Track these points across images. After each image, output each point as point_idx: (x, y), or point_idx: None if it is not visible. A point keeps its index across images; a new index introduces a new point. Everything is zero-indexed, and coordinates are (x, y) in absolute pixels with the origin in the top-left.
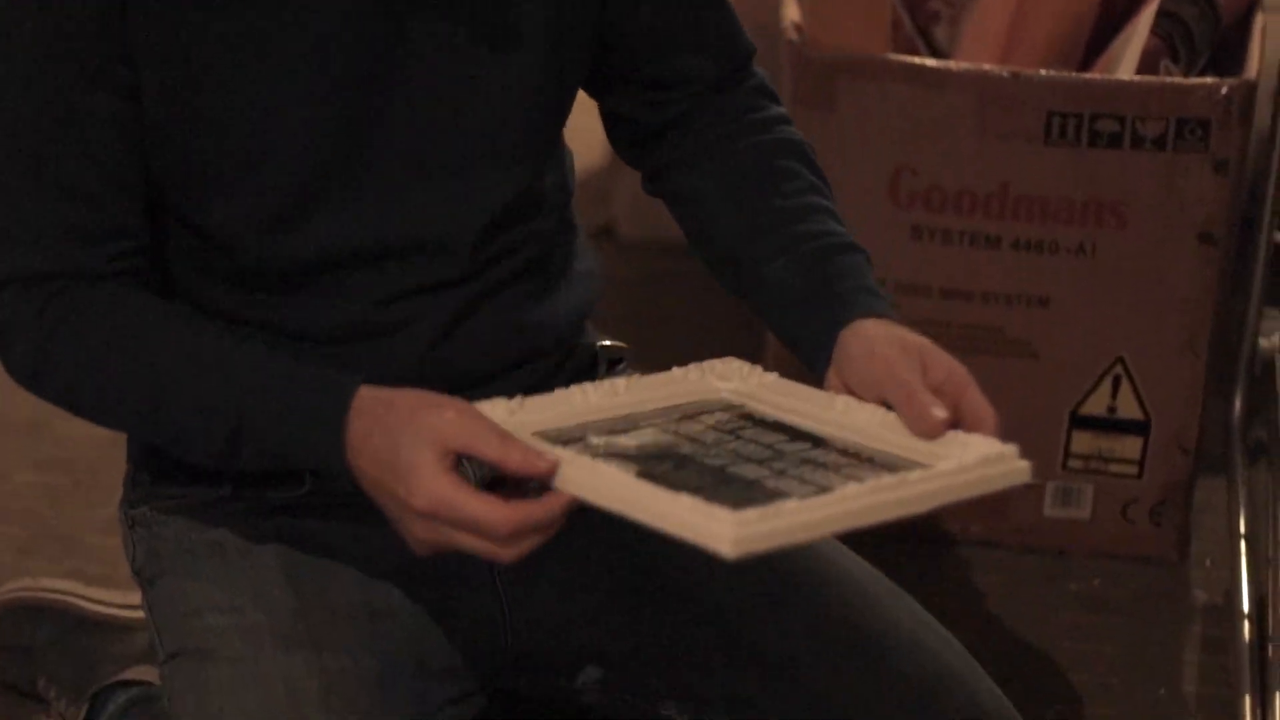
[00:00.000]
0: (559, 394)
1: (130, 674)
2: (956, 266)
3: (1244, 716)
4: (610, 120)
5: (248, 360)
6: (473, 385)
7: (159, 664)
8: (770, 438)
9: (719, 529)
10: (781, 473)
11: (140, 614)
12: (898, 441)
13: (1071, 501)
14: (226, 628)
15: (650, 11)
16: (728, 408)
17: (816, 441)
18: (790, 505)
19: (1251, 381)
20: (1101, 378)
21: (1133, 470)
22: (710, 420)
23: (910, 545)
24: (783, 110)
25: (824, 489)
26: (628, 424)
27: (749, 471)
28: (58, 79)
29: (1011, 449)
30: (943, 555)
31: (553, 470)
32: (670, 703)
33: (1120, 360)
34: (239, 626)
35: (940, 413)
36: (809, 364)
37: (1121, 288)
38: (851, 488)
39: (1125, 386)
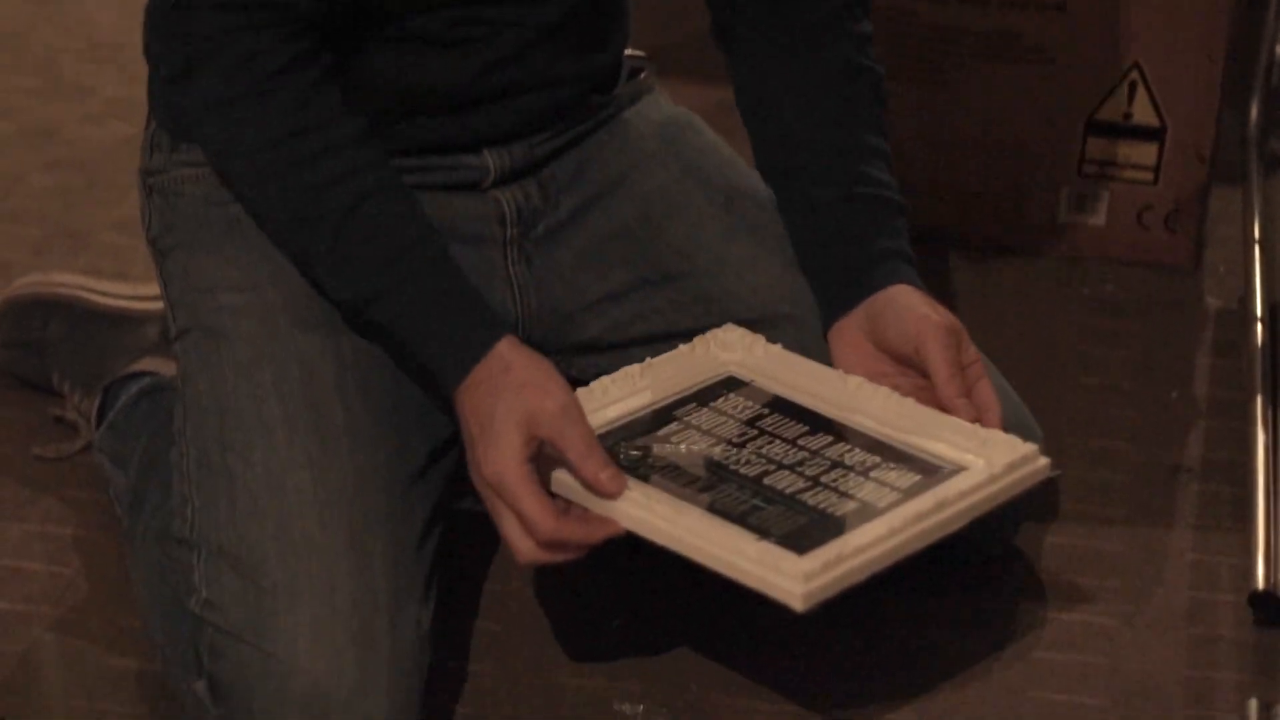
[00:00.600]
0: (581, 392)
1: (140, 365)
2: None
3: (1255, 417)
4: None
5: (411, 241)
6: (510, 96)
7: (171, 339)
8: (792, 430)
9: (788, 585)
10: (816, 481)
11: (150, 305)
12: (918, 432)
13: (1087, 207)
14: (242, 306)
15: None
16: (738, 386)
17: (838, 434)
18: (849, 547)
19: (1268, 92)
20: (1118, 83)
21: (1148, 176)
22: (728, 407)
23: (922, 246)
24: (871, 30)
25: (866, 506)
26: (654, 424)
27: (785, 483)
28: None
29: (1033, 449)
30: (956, 257)
31: (613, 495)
32: None
33: (1136, 66)
34: (255, 306)
35: (966, 408)
36: (820, 299)
37: None
38: (897, 515)
39: (1141, 92)
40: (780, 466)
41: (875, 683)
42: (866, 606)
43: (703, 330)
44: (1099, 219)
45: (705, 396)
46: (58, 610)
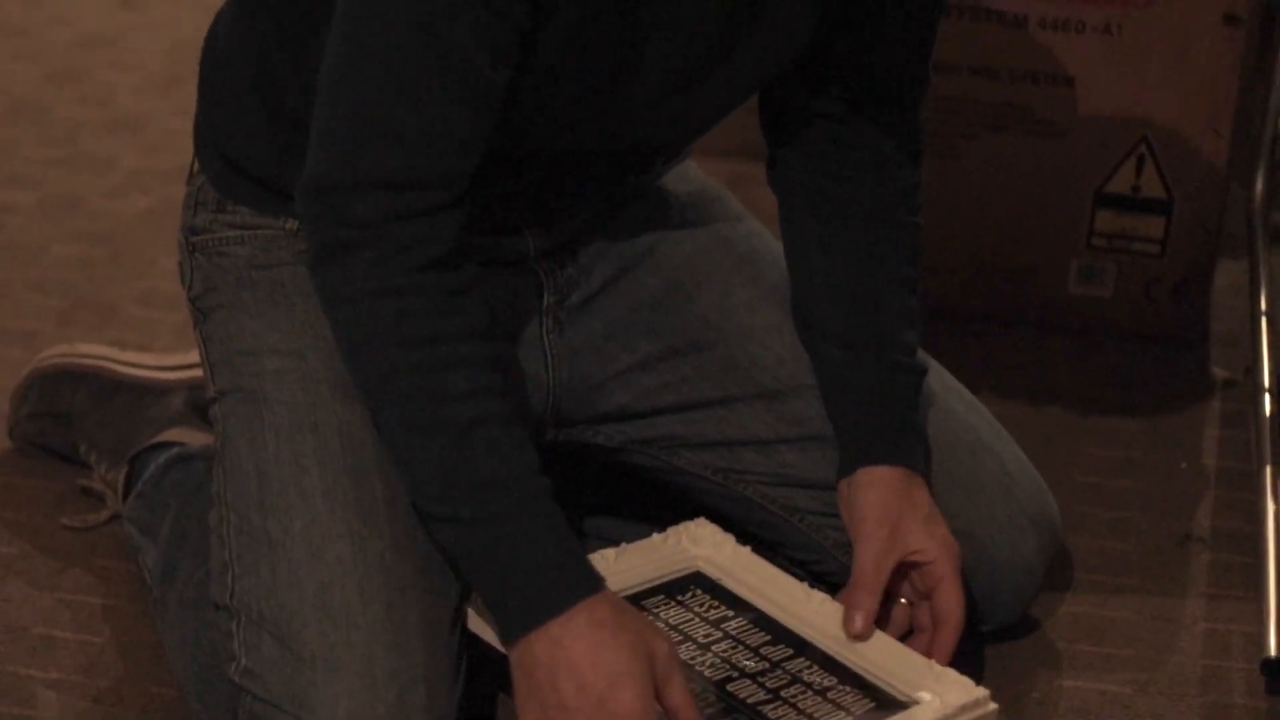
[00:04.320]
0: None
1: (167, 435)
2: (985, 44)
3: (1265, 488)
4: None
5: (523, 472)
6: (557, 198)
7: (209, 400)
8: (755, 638)
9: None
10: (776, 694)
11: (175, 376)
12: (874, 661)
13: (1095, 279)
14: (284, 371)
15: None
16: (707, 586)
17: (798, 648)
18: None
19: (1273, 165)
20: (1126, 157)
21: (1155, 249)
22: (696, 605)
23: (933, 321)
24: (919, 179)
25: None
26: None
27: (747, 692)
28: (466, 44)
29: (984, 694)
30: (966, 332)
31: None
32: (686, 452)
33: (1144, 140)
34: (297, 371)
35: (855, 627)
36: (843, 446)
37: (1147, 68)
38: None
39: (1149, 166)
40: (743, 675)
41: None
42: None
43: (730, 400)
44: (1106, 291)
45: (674, 589)
46: (90, 679)
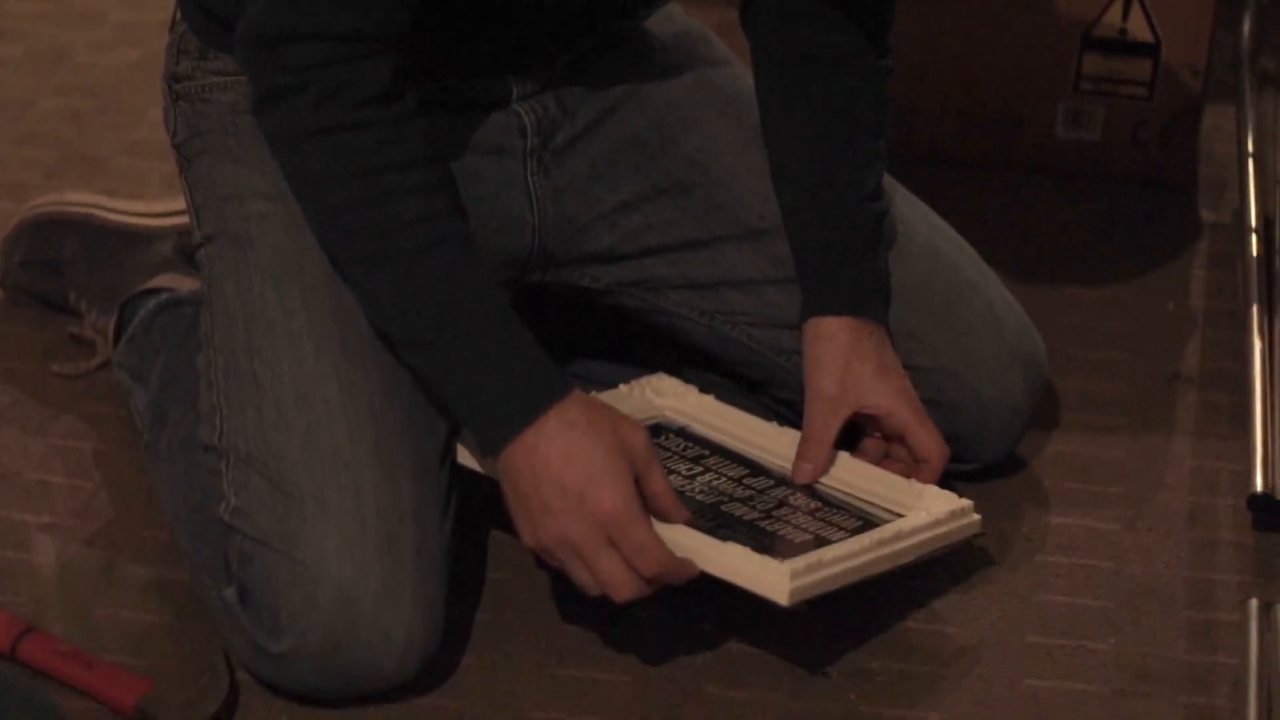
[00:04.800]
0: None
1: (156, 281)
2: None
3: (1251, 326)
4: None
5: (476, 290)
6: (536, 40)
7: (193, 245)
8: (735, 471)
9: (776, 582)
10: (768, 514)
11: (163, 222)
12: (857, 485)
13: (1082, 123)
14: (269, 215)
15: None
16: (678, 430)
17: (779, 479)
18: (826, 556)
19: (1260, 8)
20: (1112, 0)
21: (1143, 92)
22: (672, 445)
23: (921, 166)
24: (890, 20)
25: (819, 538)
26: None
27: (740, 512)
28: None
29: (968, 504)
30: (954, 175)
31: (682, 520)
32: (672, 293)
33: None
34: (282, 214)
35: (801, 478)
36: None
37: None
38: (864, 539)
39: (1135, 8)
40: (732, 499)
41: (880, 586)
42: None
43: (716, 240)
44: (1094, 135)
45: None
46: (83, 523)
